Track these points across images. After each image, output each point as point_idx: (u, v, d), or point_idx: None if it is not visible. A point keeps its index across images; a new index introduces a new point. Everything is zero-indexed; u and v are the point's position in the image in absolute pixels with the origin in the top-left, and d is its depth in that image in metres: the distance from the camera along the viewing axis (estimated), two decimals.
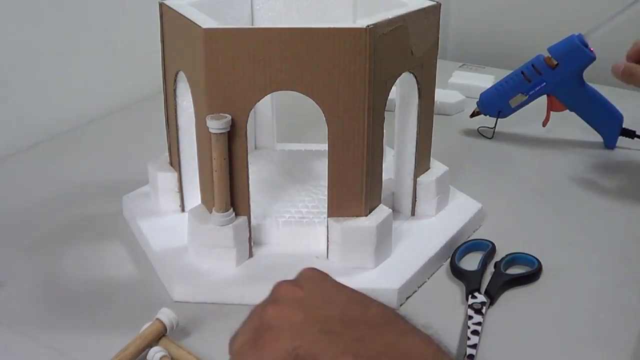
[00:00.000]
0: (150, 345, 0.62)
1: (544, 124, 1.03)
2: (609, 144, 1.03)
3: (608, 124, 1.02)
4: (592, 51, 0.96)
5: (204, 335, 0.65)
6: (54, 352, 0.63)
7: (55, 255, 0.77)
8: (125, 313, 0.68)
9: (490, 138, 1.06)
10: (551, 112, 1.02)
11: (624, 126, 1.03)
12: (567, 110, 1.02)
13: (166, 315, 0.63)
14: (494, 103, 1.04)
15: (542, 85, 1.00)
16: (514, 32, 1.47)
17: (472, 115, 1.08)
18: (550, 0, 1.44)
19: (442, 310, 0.69)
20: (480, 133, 1.07)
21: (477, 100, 1.07)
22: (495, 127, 1.06)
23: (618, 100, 1.03)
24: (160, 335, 0.63)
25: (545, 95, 1.01)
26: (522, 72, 1.00)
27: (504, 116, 1.05)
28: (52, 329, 0.66)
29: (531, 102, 1.03)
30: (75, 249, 0.78)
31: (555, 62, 0.98)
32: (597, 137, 1.05)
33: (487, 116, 1.06)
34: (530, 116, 1.14)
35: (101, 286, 0.72)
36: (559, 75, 0.98)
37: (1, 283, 0.72)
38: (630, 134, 1.03)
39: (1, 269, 0.74)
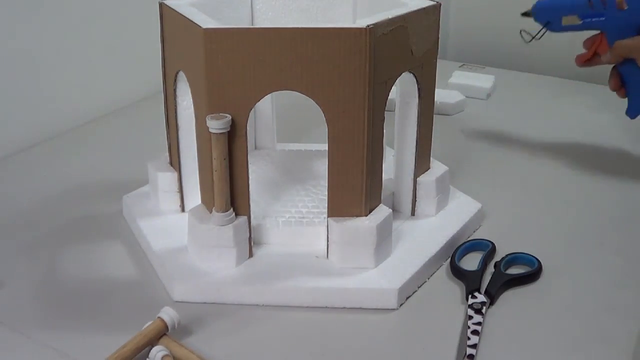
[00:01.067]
0: (150, 343, 0.62)
1: (580, 61, 0.96)
2: (632, 112, 0.95)
3: (638, 96, 0.94)
4: None
5: (204, 335, 0.65)
6: (54, 352, 0.63)
7: (55, 255, 0.77)
8: (125, 313, 0.68)
9: (527, 42, 0.98)
10: (587, 60, 0.95)
11: None
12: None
13: (168, 314, 0.63)
14: (548, 11, 0.95)
15: (601, 19, 0.91)
16: (514, 32, 1.47)
17: (524, 14, 0.98)
18: None
19: (442, 310, 0.69)
20: (520, 34, 0.98)
21: (534, 3, 0.96)
22: (537, 35, 0.96)
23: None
24: (161, 333, 0.63)
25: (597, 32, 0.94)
26: None
27: (551, 29, 0.95)
28: (52, 329, 0.66)
29: (582, 31, 0.94)
30: (75, 249, 0.78)
31: (625, 6, 0.90)
32: (598, 138, 1.05)
33: (537, 22, 0.96)
34: (531, 115, 1.14)
35: (101, 286, 0.72)
36: (622, 19, 0.90)
37: (1, 283, 0.72)
38: None
39: (1, 269, 0.74)
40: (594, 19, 0.92)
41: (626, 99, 0.94)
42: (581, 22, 0.93)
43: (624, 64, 0.92)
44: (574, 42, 0.95)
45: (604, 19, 0.91)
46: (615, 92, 0.93)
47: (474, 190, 0.86)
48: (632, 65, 0.91)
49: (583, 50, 0.95)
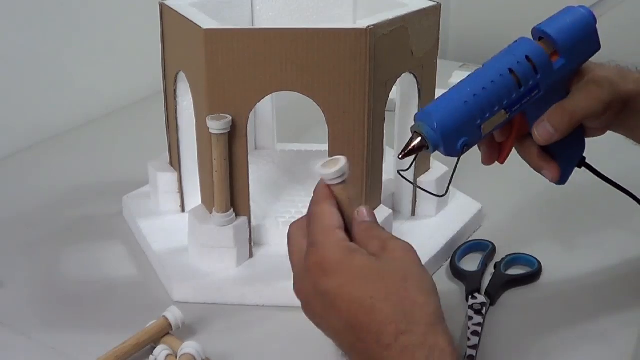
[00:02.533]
0: (152, 340, 0.62)
1: (503, 161, 0.67)
2: (563, 180, 0.66)
3: (570, 158, 0.66)
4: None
5: (204, 335, 0.65)
6: (54, 352, 0.63)
7: (55, 255, 0.77)
8: (125, 313, 0.68)
9: (441, 196, 0.76)
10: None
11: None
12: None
13: (173, 313, 0.63)
14: (461, 131, 0.58)
15: (535, 94, 0.60)
16: (514, 32, 1.47)
17: (406, 155, 0.58)
18: (550, 0, 1.44)
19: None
20: (406, 180, 0.71)
21: (419, 126, 0.58)
22: (454, 173, 0.63)
23: None
24: (164, 332, 0.63)
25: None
26: (511, 71, 0.59)
27: (467, 150, 0.60)
28: (52, 329, 0.66)
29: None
30: (75, 249, 0.78)
31: (557, 55, 0.60)
32: (598, 137, 1.04)
33: (438, 151, 0.59)
34: None
35: (101, 286, 0.72)
36: (558, 75, 0.60)
37: (1, 283, 0.72)
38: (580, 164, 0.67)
39: (1, 269, 0.74)
40: (525, 101, 0.60)
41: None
42: (508, 114, 0.60)
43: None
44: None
45: (538, 92, 0.60)
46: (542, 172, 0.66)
47: (474, 191, 0.86)
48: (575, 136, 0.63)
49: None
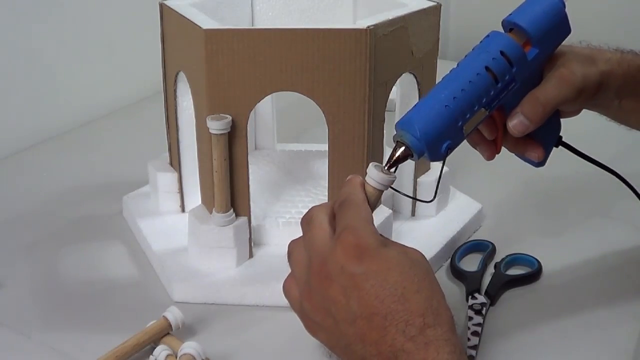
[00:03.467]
0: (152, 340, 0.62)
1: (491, 157, 0.66)
2: (543, 163, 0.67)
3: (549, 139, 0.66)
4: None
5: (204, 335, 0.65)
6: (54, 352, 0.63)
7: (55, 255, 0.77)
8: (125, 313, 0.68)
9: (430, 202, 0.75)
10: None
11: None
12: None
13: (173, 313, 0.63)
14: (444, 135, 0.57)
15: (512, 87, 0.59)
16: None
17: (391, 166, 0.56)
18: None
19: None
20: (403, 195, 0.67)
21: (399, 135, 0.57)
22: (440, 178, 0.62)
23: None
24: (164, 332, 0.63)
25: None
26: (487, 68, 0.58)
27: (450, 152, 0.58)
28: (52, 329, 0.66)
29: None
30: (75, 249, 0.78)
31: (530, 45, 0.60)
32: (599, 137, 1.04)
33: (423, 158, 0.58)
34: None
35: (101, 286, 0.72)
36: (532, 64, 0.60)
37: (1, 283, 0.72)
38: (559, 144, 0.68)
39: (1, 269, 0.74)
40: (502, 95, 0.59)
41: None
42: (488, 111, 0.59)
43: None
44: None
45: (514, 84, 0.59)
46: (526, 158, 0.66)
47: (474, 191, 0.86)
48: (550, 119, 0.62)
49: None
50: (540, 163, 0.66)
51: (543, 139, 0.65)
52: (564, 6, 0.61)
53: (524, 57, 0.59)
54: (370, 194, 0.55)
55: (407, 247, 0.54)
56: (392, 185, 0.57)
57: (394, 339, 0.48)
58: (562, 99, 0.60)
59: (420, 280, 0.50)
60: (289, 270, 0.56)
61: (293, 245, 0.56)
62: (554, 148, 0.67)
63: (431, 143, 0.56)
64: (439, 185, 0.63)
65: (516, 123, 0.60)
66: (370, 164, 0.55)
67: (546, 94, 0.60)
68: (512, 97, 0.60)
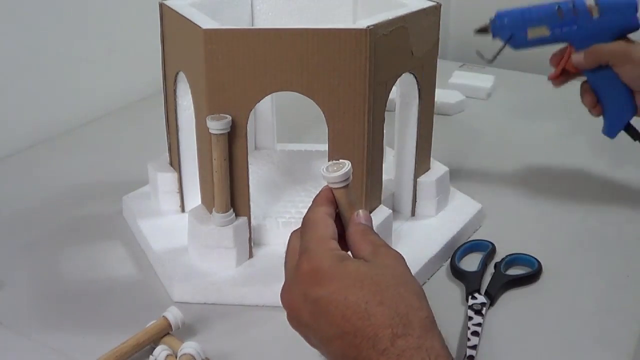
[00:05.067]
0: (152, 340, 0.62)
1: (553, 78, 0.86)
2: (609, 132, 0.87)
3: (617, 109, 0.85)
4: None
5: (204, 335, 0.65)
6: (54, 352, 0.63)
7: (56, 255, 0.77)
8: (125, 313, 0.68)
9: (490, 60, 0.88)
10: (560, 76, 0.86)
11: (631, 122, 0.86)
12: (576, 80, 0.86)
13: (172, 313, 0.63)
14: (511, 23, 0.84)
15: (573, 28, 0.82)
16: None
17: (479, 31, 0.88)
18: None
19: (442, 311, 0.69)
20: (478, 54, 0.89)
21: (492, 17, 0.86)
22: (500, 51, 0.86)
23: None
24: (164, 332, 0.63)
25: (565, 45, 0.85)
26: (558, 6, 0.83)
27: (514, 45, 0.85)
28: (52, 329, 0.66)
29: (551, 45, 0.85)
30: (75, 249, 0.78)
31: (597, 15, 0.82)
32: (599, 137, 1.04)
33: (497, 39, 0.86)
34: (531, 115, 1.14)
35: (101, 286, 0.72)
36: (596, 29, 0.82)
37: (1, 283, 0.72)
38: (634, 133, 0.86)
39: (1, 269, 0.74)
40: (564, 29, 0.83)
41: (600, 118, 0.86)
42: (550, 33, 0.84)
43: (597, 75, 0.83)
44: None
45: (576, 28, 0.83)
46: (589, 110, 0.85)
47: (474, 191, 0.86)
48: (607, 75, 0.83)
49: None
50: (609, 133, 0.87)
51: (613, 112, 0.85)
52: (636, 2, 0.82)
53: (586, 14, 0.82)
54: (336, 196, 0.56)
55: (378, 249, 0.53)
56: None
57: (368, 356, 0.48)
58: (611, 55, 0.81)
59: (384, 290, 0.50)
60: None
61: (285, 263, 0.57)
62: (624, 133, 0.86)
63: (500, 24, 0.85)
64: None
65: (575, 55, 0.82)
66: (321, 169, 0.57)
67: (602, 46, 0.81)
68: (578, 41, 0.83)
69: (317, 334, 0.51)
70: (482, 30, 0.87)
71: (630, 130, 0.86)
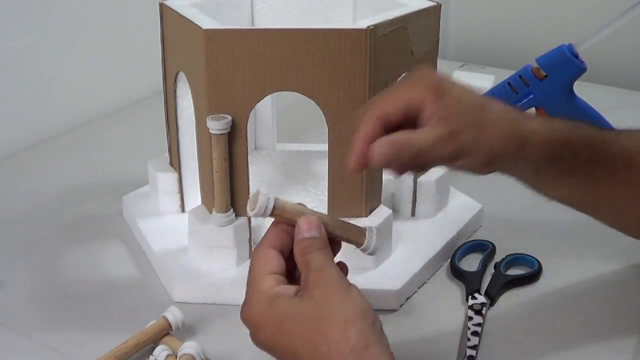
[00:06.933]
0: (152, 341, 0.62)
1: None
2: None
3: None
4: (582, 62, 0.91)
5: (204, 335, 0.65)
6: (54, 352, 0.63)
7: (55, 255, 0.77)
8: (125, 313, 0.68)
9: None
10: None
11: None
12: None
13: (172, 313, 0.63)
14: None
15: (530, 97, 0.93)
16: (514, 32, 1.47)
17: None
18: (549, 1, 1.44)
19: (442, 311, 0.69)
20: None
21: None
22: None
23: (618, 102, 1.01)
24: (164, 332, 0.63)
25: (533, 109, 0.95)
26: (509, 84, 0.94)
27: None
28: (52, 329, 0.66)
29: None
30: (75, 249, 0.78)
31: (544, 74, 0.92)
32: None
33: None
34: None
35: (101, 286, 0.72)
36: (548, 87, 0.92)
37: (1, 283, 0.72)
38: None
39: (1, 269, 0.74)
40: (524, 101, 0.93)
41: None
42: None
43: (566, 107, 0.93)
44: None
45: (532, 96, 0.93)
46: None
47: (474, 191, 0.86)
48: (572, 105, 0.92)
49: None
50: None
51: None
52: (569, 52, 0.90)
53: (534, 78, 0.92)
54: (277, 219, 0.56)
55: (308, 276, 0.52)
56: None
57: None
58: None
59: (306, 329, 0.50)
60: None
61: None
62: None
63: None
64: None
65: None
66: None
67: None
68: (543, 104, 0.92)
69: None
70: None
71: None
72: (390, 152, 0.53)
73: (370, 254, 0.58)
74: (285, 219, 0.56)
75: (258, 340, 0.53)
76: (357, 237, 0.58)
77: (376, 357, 0.49)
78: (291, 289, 0.53)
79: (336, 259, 0.56)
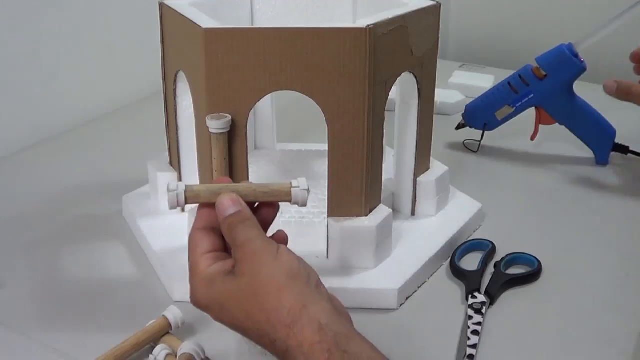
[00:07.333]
0: (152, 340, 0.62)
1: (533, 138, 0.98)
2: (601, 160, 0.97)
3: (599, 139, 0.97)
4: (582, 61, 0.92)
5: (204, 335, 0.65)
6: (54, 352, 0.63)
7: (55, 255, 0.77)
8: (125, 313, 0.68)
9: (475, 152, 1.01)
10: (540, 126, 0.97)
11: (616, 141, 0.97)
12: (557, 124, 0.97)
13: (172, 312, 0.63)
14: (480, 115, 0.99)
15: (530, 97, 0.95)
16: (514, 32, 1.47)
17: (458, 128, 1.02)
18: (548, 1, 1.44)
19: (442, 310, 0.69)
20: (465, 146, 1.02)
21: (463, 112, 1.02)
22: (481, 140, 1.00)
23: (615, 108, 1.00)
24: (164, 332, 0.63)
25: (533, 108, 0.97)
26: (509, 83, 0.96)
27: (490, 129, 0.99)
28: (52, 329, 0.66)
29: (520, 115, 0.98)
30: (75, 249, 0.78)
31: (544, 73, 0.93)
32: None
33: (473, 129, 1.01)
34: (531, 115, 1.14)
35: (101, 286, 0.72)
36: (548, 87, 0.94)
37: (1, 283, 0.72)
38: (624, 149, 0.97)
39: (1, 269, 0.74)
40: (524, 101, 0.95)
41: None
42: (514, 108, 0.96)
43: (572, 118, 0.96)
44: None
45: (532, 95, 0.95)
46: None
47: (474, 190, 0.86)
48: (580, 112, 0.96)
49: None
50: (601, 161, 0.98)
51: (593, 141, 0.98)
52: (569, 51, 0.92)
53: (534, 78, 0.94)
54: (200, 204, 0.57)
55: (236, 252, 0.54)
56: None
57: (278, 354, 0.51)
58: None
59: (245, 305, 0.52)
60: None
61: None
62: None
63: (472, 118, 1.01)
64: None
65: (608, 83, 0.90)
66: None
67: (636, 87, 0.90)
68: (543, 102, 0.95)
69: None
70: (461, 127, 1.02)
71: (617, 148, 0.97)
72: None
73: (302, 205, 0.59)
74: (205, 203, 0.57)
75: (214, 319, 0.55)
76: (283, 196, 0.58)
77: (315, 314, 0.50)
78: (228, 263, 0.54)
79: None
